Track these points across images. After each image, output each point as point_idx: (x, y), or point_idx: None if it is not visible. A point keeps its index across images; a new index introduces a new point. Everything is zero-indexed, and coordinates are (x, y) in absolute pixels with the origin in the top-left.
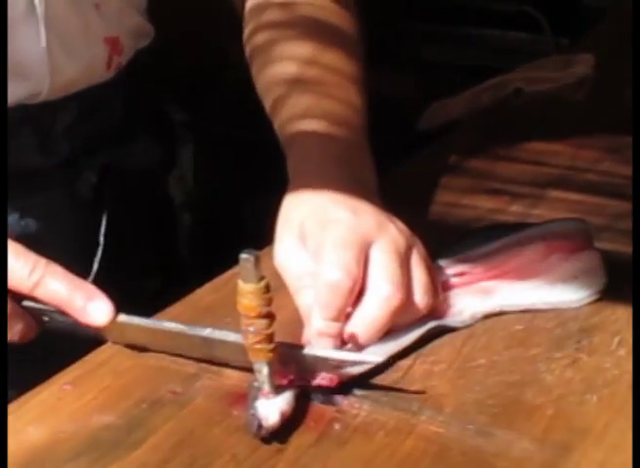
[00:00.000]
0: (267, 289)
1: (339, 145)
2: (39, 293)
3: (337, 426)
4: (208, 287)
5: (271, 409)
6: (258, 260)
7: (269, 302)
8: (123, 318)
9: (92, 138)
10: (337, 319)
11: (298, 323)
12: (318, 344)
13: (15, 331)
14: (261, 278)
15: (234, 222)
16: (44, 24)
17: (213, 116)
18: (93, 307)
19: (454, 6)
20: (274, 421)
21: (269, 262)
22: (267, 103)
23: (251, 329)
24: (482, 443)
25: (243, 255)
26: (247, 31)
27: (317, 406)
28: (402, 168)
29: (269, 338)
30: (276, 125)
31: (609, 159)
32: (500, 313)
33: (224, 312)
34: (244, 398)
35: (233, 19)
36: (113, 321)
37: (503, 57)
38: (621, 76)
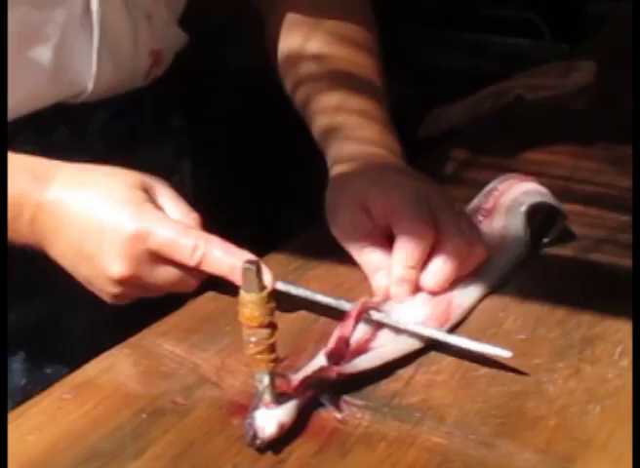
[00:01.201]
0: (270, 298)
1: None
2: (204, 268)
3: (338, 437)
4: (207, 295)
5: (269, 419)
6: (259, 270)
7: (272, 312)
8: (280, 286)
9: (124, 138)
10: (416, 267)
11: (299, 331)
12: (397, 291)
13: (190, 285)
14: (263, 287)
15: (234, 228)
16: (98, 31)
17: (211, 123)
18: None
19: (454, 11)
20: (270, 433)
21: (273, 269)
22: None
23: (252, 338)
24: (485, 454)
25: (245, 265)
26: (289, 85)
27: (319, 416)
28: None
29: (271, 348)
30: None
31: (609, 170)
32: (502, 323)
33: (224, 321)
34: (244, 408)
35: (233, 27)
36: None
37: (503, 62)
38: (623, 83)
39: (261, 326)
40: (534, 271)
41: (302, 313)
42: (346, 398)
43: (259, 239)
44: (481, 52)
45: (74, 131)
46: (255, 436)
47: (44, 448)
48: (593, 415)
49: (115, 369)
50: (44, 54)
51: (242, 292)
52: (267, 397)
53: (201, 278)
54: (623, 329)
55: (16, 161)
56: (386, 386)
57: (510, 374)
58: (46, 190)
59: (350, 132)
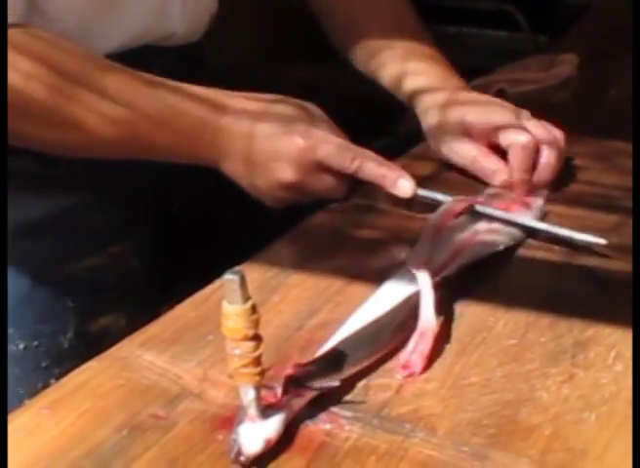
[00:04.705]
0: (254, 310)
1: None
2: (360, 175)
3: (327, 451)
4: (188, 303)
5: (255, 435)
6: (243, 280)
7: (256, 324)
8: (421, 192)
9: (187, 76)
10: (530, 170)
11: (284, 339)
12: (519, 192)
13: (340, 192)
14: (247, 298)
15: (214, 230)
16: None
17: None
18: (401, 183)
19: (430, 4)
20: (255, 449)
21: (254, 274)
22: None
23: (236, 352)
24: (478, 466)
25: (227, 276)
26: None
27: (306, 429)
28: None
29: (256, 361)
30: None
31: (595, 167)
32: (492, 327)
33: (206, 330)
34: (229, 421)
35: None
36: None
37: (482, 55)
38: (606, 76)
39: (246, 338)
40: (521, 275)
41: (286, 320)
42: (334, 409)
43: (239, 242)
44: (458, 44)
45: (143, 70)
46: (239, 452)
47: (23, 466)
48: (589, 424)
49: (93, 382)
50: None
51: (225, 304)
52: (252, 411)
53: (348, 187)
54: (616, 332)
55: (193, 92)
56: (375, 396)
57: (502, 381)
58: (224, 115)
59: (426, 73)
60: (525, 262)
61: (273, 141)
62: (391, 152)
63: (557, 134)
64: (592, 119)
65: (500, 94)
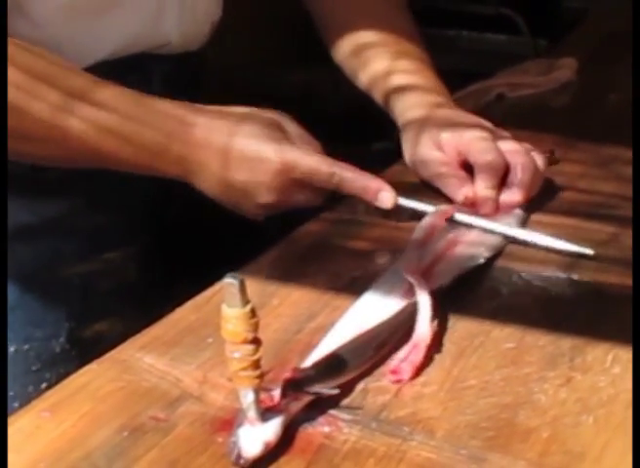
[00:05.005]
0: (253, 313)
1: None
2: (341, 189)
3: (326, 453)
4: (189, 305)
5: (254, 438)
6: (243, 284)
7: (255, 327)
8: (402, 201)
9: (186, 86)
10: (496, 188)
11: (283, 342)
12: (484, 209)
13: (318, 202)
14: (247, 302)
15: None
16: None
17: None
18: (382, 195)
19: (429, 8)
20: (254, 452)
21: (254, 278)
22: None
23: (236, 355)
24: None
25: (227, 280)
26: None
27: (305, 432)
28: None
29: (255, 364)
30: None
31: (592, 174)
32: (490, 331)
33: (206, 333)
34: (228, 423)
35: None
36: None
37: (481, 59)
38: (605, 80)
39: (245, 342)
40: (519, 278)
41: (285, 323)
42: (333, 412)
43: (238, 246)
44: (458, 48)
45: (142, 78)
46: (239, 455)
47: (23, 467)
48: (587, 426)
49: (94, 384)
50: (151, 3)
51: (224, 308)
52: (252, 414)
53: (311, 195)
54: (614, 335)
55: (159, 105)
56: (374, 399)
57: (500, 385)
58: (192, 131)
59: (413, 86)
60: (523, 266)
61: (249, 166)
62: (390, 155)
63: (535, 156)
64: (592, 123)
65: (499, 98)
